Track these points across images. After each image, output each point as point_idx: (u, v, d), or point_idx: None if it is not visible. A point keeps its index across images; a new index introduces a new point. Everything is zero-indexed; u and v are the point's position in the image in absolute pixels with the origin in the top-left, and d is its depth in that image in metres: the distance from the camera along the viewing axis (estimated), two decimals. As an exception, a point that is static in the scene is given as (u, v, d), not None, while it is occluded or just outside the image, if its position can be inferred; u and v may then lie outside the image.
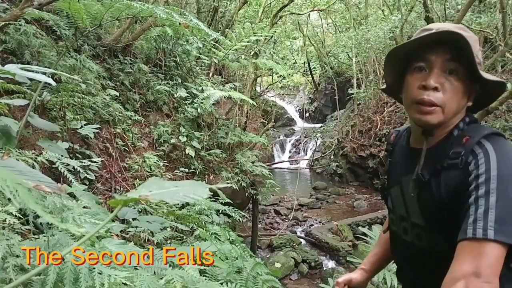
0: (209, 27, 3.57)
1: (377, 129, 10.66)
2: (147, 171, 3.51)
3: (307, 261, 6.08)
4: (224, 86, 5.13)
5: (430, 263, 0.93)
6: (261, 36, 5.29)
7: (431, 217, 0.90)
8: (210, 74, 5.98)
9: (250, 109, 6.15)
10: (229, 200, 3.45)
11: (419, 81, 0.88)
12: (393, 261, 1.20)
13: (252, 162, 4.91)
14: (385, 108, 10.96)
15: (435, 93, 0.86)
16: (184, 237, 2.76)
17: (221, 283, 2.02)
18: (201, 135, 4.52)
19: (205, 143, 4.54)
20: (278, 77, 11.78)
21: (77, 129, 2.97)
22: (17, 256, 1.17)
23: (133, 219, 2.18)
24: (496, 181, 0.74)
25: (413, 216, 0.96)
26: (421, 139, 0.93)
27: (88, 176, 2.77)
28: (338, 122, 13.25)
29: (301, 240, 7.03)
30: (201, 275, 1.83)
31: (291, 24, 13.85)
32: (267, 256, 6.30)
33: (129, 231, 2.32)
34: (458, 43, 0.83)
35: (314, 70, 17.02)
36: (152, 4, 3.51)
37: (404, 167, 1.01)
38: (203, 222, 2.57)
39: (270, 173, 5.19)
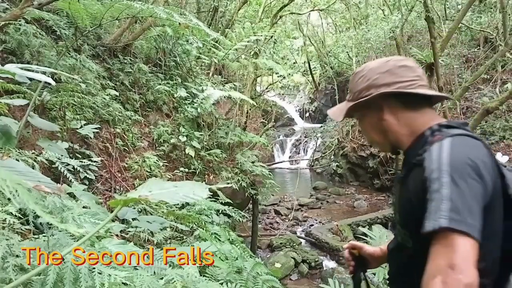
0: (209, 27, 3.57)
1: (377, 129, 10.64)
2: (147, 171, 3.50)
3: (307, 261, 6.08)
4: (224, 86, 5.13)
5: (401, 259, 0.99)
6: (261, 36, 5.29)
7: (401, 212, 0.98)
8: (210, 74, 5.98)
9: (250, 109, 6.15)
10: (229, 200, 3.45)
11: None
12: None
13: (252, 162, 4.91)
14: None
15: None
16: (184, 237, 2.76)
17: (221, 283, 2.02)
18: (201, 135, 4.52)
19: (205, 143, 4.54)
20: (278, 77, 11.77)
21: (77, 129, 2.97)
22: (17, 256, 1.17)
23: (133, 219, 2.18)
24: (447, 175, 0.78)
25: (396, 212, 1.03)
26: None
27: (88, 176, 2.77)
28: (338, 122, 13.24)
29: (301, 240, 7.03)
30: (201, 275, 1.83)
31: (291, 24, 13.84)
32: (267, 256, 6.30)
33: (129, 231, 2.32)
34: None
35: (314, 70, 17.01)
36: (152, 4, 3.51)
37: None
38: (203, 222, 2.57)
39: (270, 173, 5.19)
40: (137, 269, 1.53)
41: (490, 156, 0.85)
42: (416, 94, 0.95)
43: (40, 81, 1.21)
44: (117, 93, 3.82)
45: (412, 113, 0.97)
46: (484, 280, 0.77)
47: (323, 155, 12.89)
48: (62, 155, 1.84)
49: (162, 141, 4.11)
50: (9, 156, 1.56)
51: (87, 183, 2.83)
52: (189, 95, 4.64)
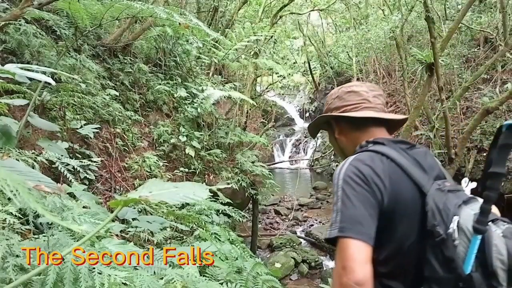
0: (209, 27, 3.58)
1: (377, 129, 10.63)
2: (147, 171, 3.50)
3: (307, 261, 6.08)
4: (224, 86, 5.13)
5: None
6: (261, 35, 5.29)
7: None
8: (210, 74, 5.97)
9: (250, 109, 6.15)
10: (229, 200, 3.45)
11: None
12: None
13: (252, 162, 4.91)
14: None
15: None
16: (184, 237, 2.76)
17: (221, 283, 2.02)
18: (201, 135, 4.51)
19: (205, 143, 4.54)
20: (278, 77, 11.76)
21: (77, 129, 2.97)
22: (17, 256, 1.17)
23: (133, 219, 2.18)
24: (341, 189, 0.89)
25: None
26: None
27: (88, 176, 2.77)
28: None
29: (301, 240, 7.03)
30: (201, 275, 1.83)
31: (291, 24, 13.83)
32: (267, 256, 6.30)
33: (129, 231, 2.32)
34: None
35: (314, 70, 17.00)
36: (152, 4, 3.51)
37: None
38: (203, 222, 2.57)
39: (270, 173, 5.18)
40: (137, 269, 1.53)
41: (391, 171, 0.93)
42: (353, 117, 1.09)
43: (40, 81, 1.21)
44: (117, 93, 3.82)
45: (357, 132, 1.11)
46: (392, 283, 0.90)
47: (323, 155, 12.88)
48: (62, 155, 1.84)
49: (162, 141, 4.11)
50: (9, 156, 1.56)
51: (87, 183, 2.83)
52: (189, 95, 4.64)
